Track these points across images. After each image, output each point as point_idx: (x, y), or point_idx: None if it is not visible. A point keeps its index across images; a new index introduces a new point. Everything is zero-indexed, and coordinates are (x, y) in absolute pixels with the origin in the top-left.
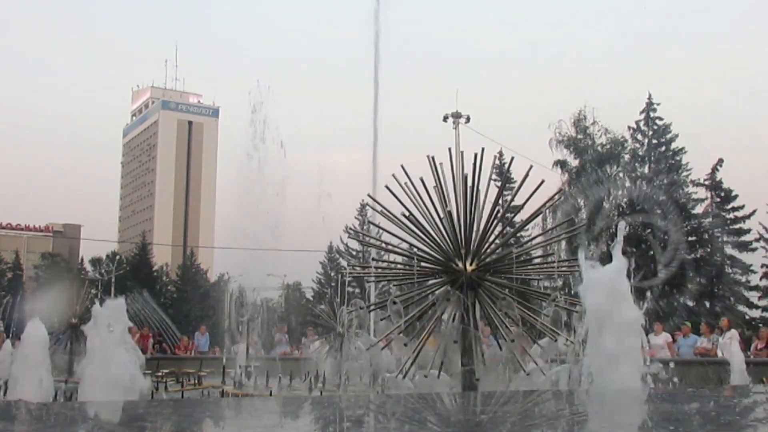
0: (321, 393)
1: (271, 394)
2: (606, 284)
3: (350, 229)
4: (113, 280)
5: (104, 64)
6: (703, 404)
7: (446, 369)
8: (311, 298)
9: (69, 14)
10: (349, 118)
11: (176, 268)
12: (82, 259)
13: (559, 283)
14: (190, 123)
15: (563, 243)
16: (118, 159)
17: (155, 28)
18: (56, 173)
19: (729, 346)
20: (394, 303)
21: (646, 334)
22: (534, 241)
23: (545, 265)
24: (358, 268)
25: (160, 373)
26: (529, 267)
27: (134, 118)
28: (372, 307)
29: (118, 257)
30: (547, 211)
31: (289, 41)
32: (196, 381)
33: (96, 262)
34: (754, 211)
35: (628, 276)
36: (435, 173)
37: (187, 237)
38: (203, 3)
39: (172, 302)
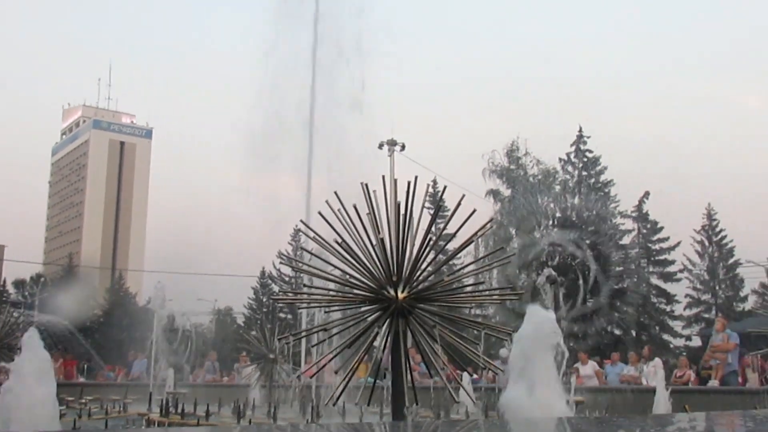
0: (250, 421)
1: (198, 423)
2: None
3: (283, 254)
4: (37, 303)
5: (33, 81)
6: None
7: (377, 398)
8: (242, 324)
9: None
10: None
11: (104, 292)
12: (4, 281)
13: (490, 311)
14: (122, 143)
15: (495, 271)
16: (46, 178)
17: (88, 46)
18: None
19: (653, 374)
20: (325, 330)
21: (573, 364)
22: (466, 270)
23: (476, 294)
24: (290, 294)
25: (83, 400)
26: (460, 295)
27: (64, 136)
28: (303, 334)
29: (42, 279)
30: (479, 239)
31: (226, 63)
32: (121, 408)
33: (20, 284)
34: (679, 243)
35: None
36: (368, 200)
37: (116, 259)
38: (139, 23)
39: (99, 327)
